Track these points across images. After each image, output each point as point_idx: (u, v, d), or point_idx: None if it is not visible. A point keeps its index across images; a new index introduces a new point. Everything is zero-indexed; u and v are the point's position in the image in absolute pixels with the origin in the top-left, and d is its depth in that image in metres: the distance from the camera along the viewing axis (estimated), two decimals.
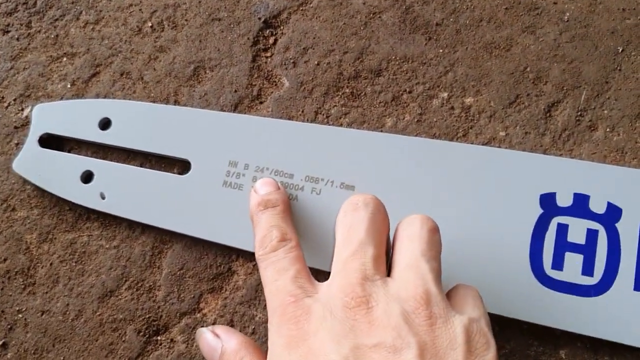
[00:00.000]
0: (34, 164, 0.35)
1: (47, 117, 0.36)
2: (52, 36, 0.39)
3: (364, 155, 0.33)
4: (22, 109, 0.37)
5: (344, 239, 0.25)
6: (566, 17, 0.36)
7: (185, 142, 0.34)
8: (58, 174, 0.35)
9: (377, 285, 0.23)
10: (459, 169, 0.32)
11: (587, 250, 0.30)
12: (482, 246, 0.31)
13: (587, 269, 0.30)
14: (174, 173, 0.35)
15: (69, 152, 0.36)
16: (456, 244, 0.31)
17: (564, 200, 0.31)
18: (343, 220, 0.26)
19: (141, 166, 0.35)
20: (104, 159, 0.35)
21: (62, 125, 0.36)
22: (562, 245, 0.30)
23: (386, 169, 0.32)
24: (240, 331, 0.32)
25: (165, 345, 0.32)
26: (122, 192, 0.34)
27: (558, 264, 0.30)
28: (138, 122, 0.35)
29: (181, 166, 0.35)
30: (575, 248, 0.30)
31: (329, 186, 0.32)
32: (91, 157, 0.35)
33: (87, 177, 0.35)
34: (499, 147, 0.34)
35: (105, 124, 0.35)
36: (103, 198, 0.34)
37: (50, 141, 0.36)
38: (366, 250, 0.24)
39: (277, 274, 0.25)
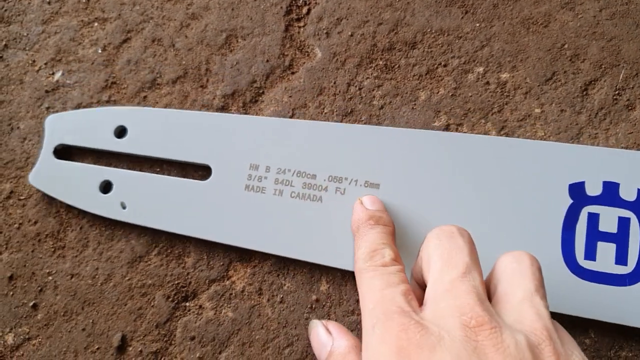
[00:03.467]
0: (51, 176, 0.34)
1: (61, 127, 0.35)
2: (84, 0, 0.38)
3: (387, 152, 0.32)
4: (53, 73, 0.37)
5: (445, 261, 0.23)
6: None
7: (205, 147, 0.34)
8: (76, 185, 0.34)
9: (493, 311, 0.22)
10: (485, 161, 0.31)
11: (620, 238, 0.30)
12: (513, 239, 0.30)
13: (621, 258, 0.30)
14: (194, 179, 0.34)
15: (85, 162, 0.35)
16: (487, 238, 0.30)
17: (594, 189, 0.31)
18: (439, 245, 0.24)
19: (160, 173, 0.34)
20: (122, 167, 0.35)
21: (77, 135, 0.35)
22: (594, 235, 0.30)
23: (410, 165, 0.32)
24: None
25: (193, 312, 0.32)
26: (143, 200, 0.33)
27: (591, 254, 0.30)
28: (154, 128, 0.34)
29: (202, 171, 0.35)
30: (607, 237, 0.30)
31: (353, 185, 0.32)
32: (109, 166, 0.35)
33: (105, 186, 0.34)
34: (534, 124, 0.33)
35: (120, 132, 0.35)
36: (124, 208, 0.33)
37: (65, 152, 0.35)
38: (474, 274, 0.23)
39: (387, 284, 0.24)
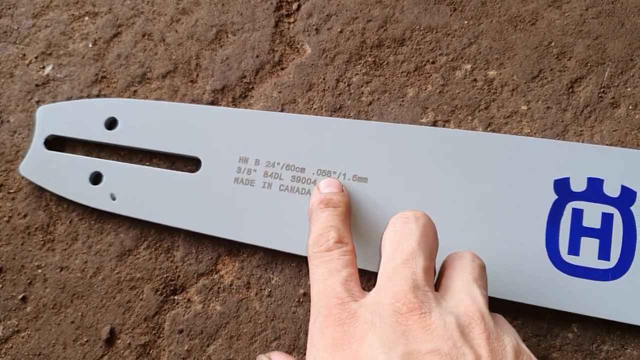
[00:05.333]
0: (41, 167, 0.34)
1: (52, 118, 0.35)
2: None
3: (376, 147, 0.32)
4: (44, 67, 0.37)
5: (394, 248, 0.25)
6: None
7: (194, 140, 0.34)
8: (66, 176, 0.34)
9: (429, 296, 0.23)
10: (472, 157, 0.32)
11: (603, 234, 0.30)
12: (498, 234, 0.31)
13: (604, 253, 0.30)
14: (184, 171, 0.34)
15: (75, 153, 0.35)
16: (472, 232, 0.31)
17: (578, 185, 0.31)
18: (393, 231, 0.25)
19: (150, 165, 0.35)
20: (112, 159, 0.35)
21: (67, 126, 0.35)
22: (578, 230, 0.30)
23: (398, 160, 0.32)
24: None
25: (182, 305, 0.33)
26: (133, 192, 0.34)
27: (574, 249, 0.30)
28: (145, 120, 0.35)
29: (191, 164, 0.35)
30: (590, 232, 0.30)
31: (341, 179, 0.32)
32: (99, 157, 0.35)
33: (95, 178, 0.34)
34: (521, 121, 0.34)
35: (111, 124, 0.35)
36: (113, 199, 0.34)
37: (56, 143, 0.35)
38: (417, 260, 0.24)
39: (328, 273, 0.25)
